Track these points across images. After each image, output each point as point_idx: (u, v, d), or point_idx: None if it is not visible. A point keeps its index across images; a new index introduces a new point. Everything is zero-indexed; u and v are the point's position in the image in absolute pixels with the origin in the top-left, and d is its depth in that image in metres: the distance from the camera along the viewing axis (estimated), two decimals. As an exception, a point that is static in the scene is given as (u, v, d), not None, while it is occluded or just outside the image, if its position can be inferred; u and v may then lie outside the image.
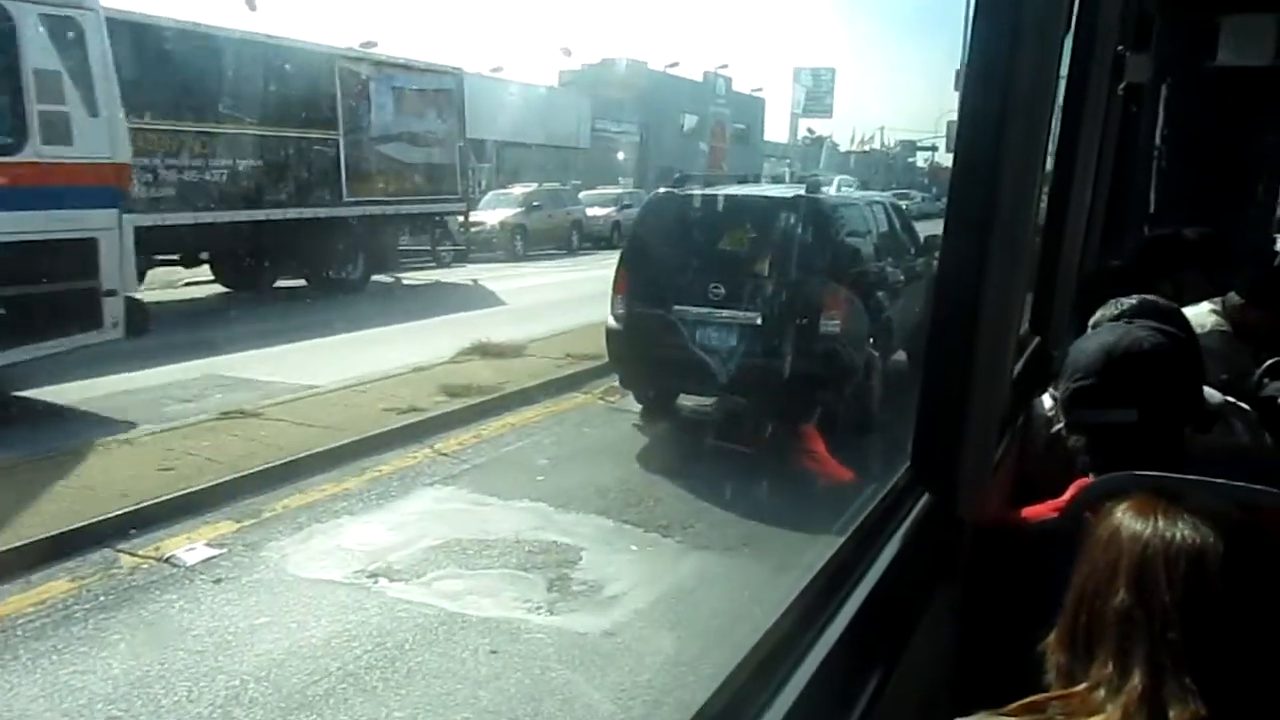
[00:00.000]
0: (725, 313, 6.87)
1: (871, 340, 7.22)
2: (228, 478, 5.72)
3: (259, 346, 9.84)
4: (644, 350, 7.19)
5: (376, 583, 4.70)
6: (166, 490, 5.47)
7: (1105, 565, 1.03)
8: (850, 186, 11.41)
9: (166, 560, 4.85)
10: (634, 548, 5.15)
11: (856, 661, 1.25)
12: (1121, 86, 4.04)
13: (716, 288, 6.92)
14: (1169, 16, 4.47)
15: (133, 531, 5.09)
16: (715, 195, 7.56)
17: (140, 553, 4.91)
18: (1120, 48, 3.66)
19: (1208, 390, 1.96)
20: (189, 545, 5.01)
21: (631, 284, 7.23)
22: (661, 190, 8.21)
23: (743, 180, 10.68)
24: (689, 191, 7.62)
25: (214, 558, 4.90)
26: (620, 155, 35.42)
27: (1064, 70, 2.80)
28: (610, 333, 7.36)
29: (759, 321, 6.85)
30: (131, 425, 6.83)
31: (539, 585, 4.68)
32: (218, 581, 4.67)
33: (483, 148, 29.33)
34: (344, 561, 4.94)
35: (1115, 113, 4.06)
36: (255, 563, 4.90)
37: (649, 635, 4.20)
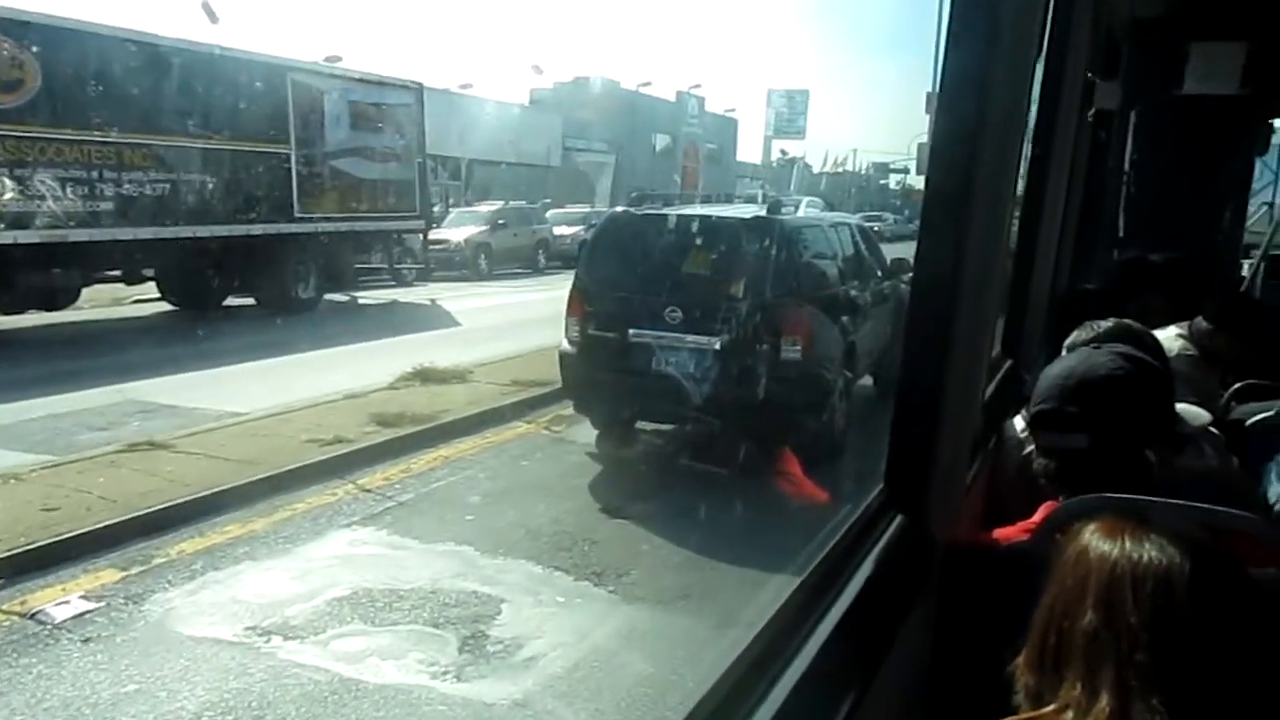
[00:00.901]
0: (682, 336, 6.52)
1: (836, 364, 6.89)
2: (119, 519, 5.18)
3: (194, 369, 9.38)
4: (599, 375, 6.84)
5: (268, 642, 4.19)
6: (46, 534, 4.93)
7: (1073, 586, 1.01)
8: (816, 208, 11.15)
9: (32, 617, 4.31)
10: (560, 599, 4.67)
11: (832, 680, 1.26)
12: (1091, 113, 4.10)
13: (673, 311, 6.57)
14: (1137, 45, 4.56)
15: (-1, 582, 4.57)
16: (672, 215, 7.21)
17: (3, 608, 4.37)
18: (1090, 75, 3.71)
19: (1195, 411, 1.98)
20: (61, 598, 4.47)
21: (586, 306, 6.87)
22: (617, 209, 7.82)
23: (707, 200, 10.37)
24: (645, 211, 7.29)
25: (88, 613, 4.37)
26: (584, 172, 35.08)
27: (1035, 95, 2.83)
28: (564, 357, 7.01)
29: (717, 346, 6.50)
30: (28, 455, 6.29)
31: (450, 644, 4.19)
32: (87, 641, 4.14)
33: (453, 165, 28.95)
34: (236, 616, 4.42)
35: (1085, 138, 4.12)
36: (134, 618, 4.37)
37: (563, 708, 3.72)
